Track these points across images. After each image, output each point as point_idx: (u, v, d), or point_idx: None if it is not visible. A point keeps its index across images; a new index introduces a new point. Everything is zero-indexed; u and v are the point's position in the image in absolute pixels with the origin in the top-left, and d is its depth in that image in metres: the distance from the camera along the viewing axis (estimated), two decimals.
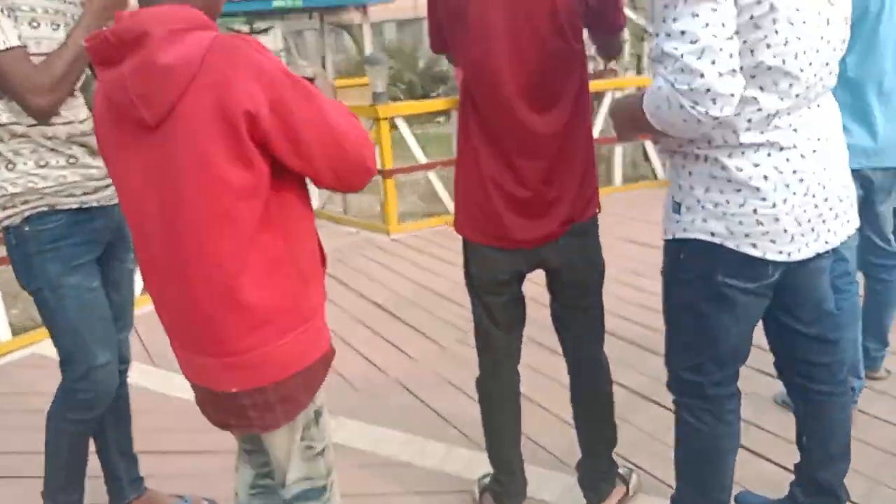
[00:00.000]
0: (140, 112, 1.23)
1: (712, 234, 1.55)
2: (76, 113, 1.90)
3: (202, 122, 1.21)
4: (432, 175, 5.99)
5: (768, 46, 1.42)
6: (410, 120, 5.95)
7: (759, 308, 1.64)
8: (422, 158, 5.93)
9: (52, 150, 1.88)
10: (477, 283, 2.02)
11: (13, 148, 1.85)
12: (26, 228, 1.86)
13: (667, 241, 1.66)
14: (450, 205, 5.96)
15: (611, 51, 2.01)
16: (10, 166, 1.86)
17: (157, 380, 3.27)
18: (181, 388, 3.19)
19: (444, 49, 1.99)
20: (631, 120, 1.63)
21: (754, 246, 1.53)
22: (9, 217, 1.87)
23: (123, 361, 2.17)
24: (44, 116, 1.83)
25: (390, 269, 4.72)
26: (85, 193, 1.93)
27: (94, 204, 1.95)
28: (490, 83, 1.81)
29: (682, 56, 1.33)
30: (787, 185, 1.50)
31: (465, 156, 1.93)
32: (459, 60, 1.90)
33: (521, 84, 1.78)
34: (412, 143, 5.88)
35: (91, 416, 2.00)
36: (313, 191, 6.18)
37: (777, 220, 1.51)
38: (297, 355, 1.35)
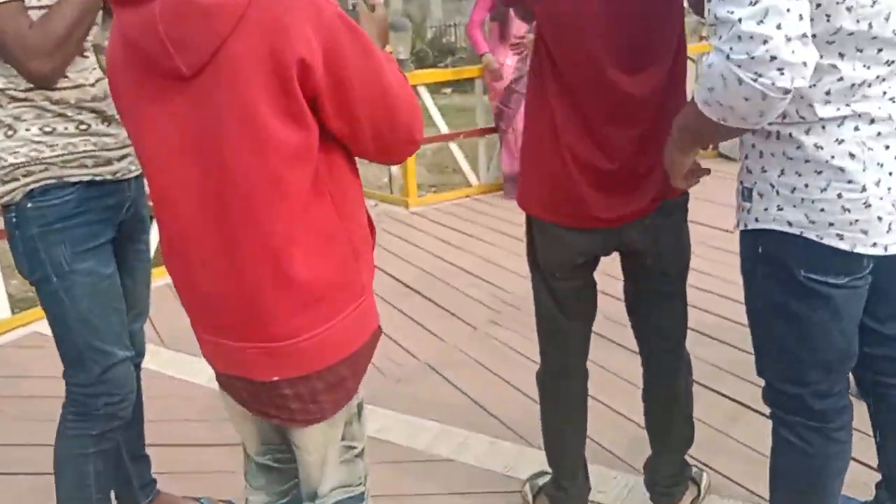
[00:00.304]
0: (174, 59, 1.07)
1: (790, 224, 1.31)
2: (86, 75, 1.63)
3: (249, 72, 1.06)
4: (453, 146, 5.69)
5: (849, 10, 1.18)
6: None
7: (859, 299, 1.38)
8: (443, 128, 5.63)
9: (60, 114, 1.61)
10: (546, 266, 1.75)
11: (13, 113, 1.58)
12: (29, 205, 1.59)
13: (741, 233, 1.42)
14: (471, 176, 5.67)
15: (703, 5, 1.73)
16: (10, 133, 1.58)
17: (167, 362, 3.02)
18: (196, 373, 2.98)
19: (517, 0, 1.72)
20: (681, 130, 1.36)
21: (840, 237, 1.29)
22: (9, 192, 1.59)
23: (138, 354, 1.90)
24: (45, 83, 1.55)
25: (412, 244, 4.45)
26: (97, 165, 1.65)
27: (109, 177, 1.67)
28: (577, 39, 1.54)
29: (739, 21, 1.09)
30: (881, 165, 1.26)
31: (536, 122, 1.66)
32: (538, 13, 1.62)
33: (616, 40, 1.52)
34: (435, 113, 5.58)
35: (116, 425, 1.73)
36: None
37: (868, 205, 1.26)
38: (347, 338, 1.22)
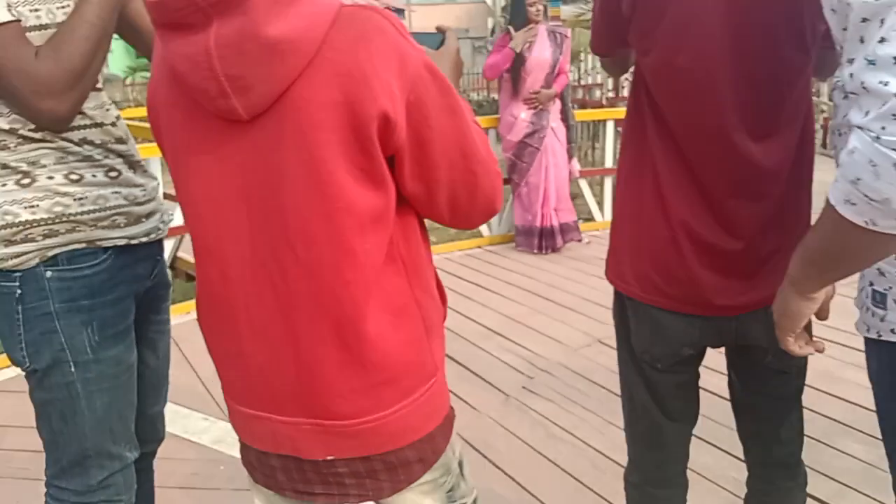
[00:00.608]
0: (230, 100, 0.93)
1: None
2: (104, 113, 1.35)
3: (320, 124, 0.92)
4: None
5: None
6: None
7: None
8: None
9: (87, 158, 1.32)
10: (644, 356, 1.50)
11: (27, 157, 1.27)
12: (49, 274, 1.29)
13: (868, 340, 1.20)
14: (483, 227, 5.47)
15: (829, 69, 1.54)
16: (25, 181, 1.27)
17: (176, 422, 2.68)
18: (200, 432, 2.70)
19: (615, 48, 1.50)
20: (806, 261, 1.10)
21: None
22: (18, 256, 1.28)
23: (156, 441, 1.62)
24: (59, 126, 1.27)
25: None
26: (129, 224, 1.37)
27: (143, 239, 1.40)
28: (698, 96, 1.32)
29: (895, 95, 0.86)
30: None
31: (636, 188, 1.43)
32: (646, 66, 1.40)
33: (743, 102, 1.31)
34: None
35: None
36: None
37: None
38: (415, 423, 1.09)
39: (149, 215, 1.42)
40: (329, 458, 1.07)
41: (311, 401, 1.05)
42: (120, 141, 1.37)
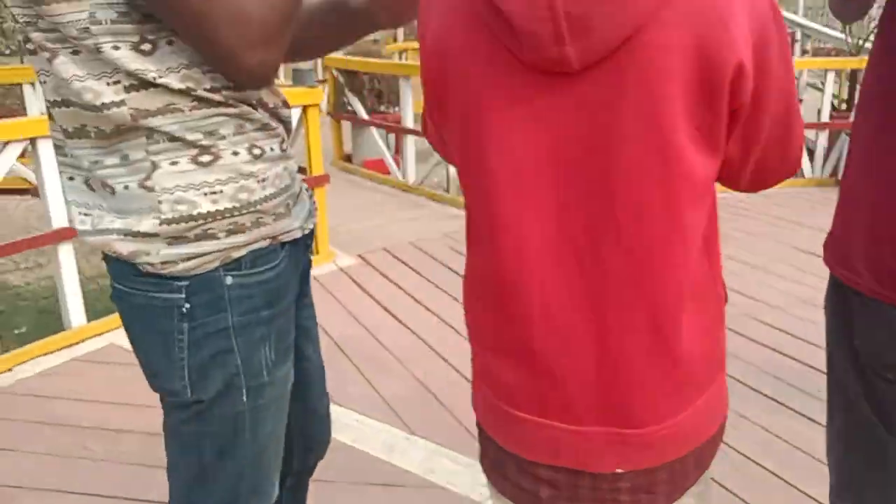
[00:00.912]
0: (564, 47, 0.79)
1: None
2: None
3: (667, 73, 0.79)
4: None
5: None
6: None
7: None
8: None
9: (264, 126, 1.03)
10: (872, 362, 1.26)
11: (202, 126, 0.97)
12: (229, 281, 1.02)
13: None
14: None
15: None
16: (205, 158, 0.97)
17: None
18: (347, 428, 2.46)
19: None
20: None
21: None
22: (193, 258, 0.99)
23: (324, 444, 1.39)
24: (266, 82, 0.98)
25: None
26: (294, 206, 1.10)
27: (310, 227, 1.14)
28: None
29: None
30: None
31: (887, 159, 1.18)
32: None
33: None
34: None
35: None
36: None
37: None
38: (704, 422, 0.98)
39: (301, 192, 1.16)
40: (618, 471, 0.95)
41: (610, 405, 0.92)
42: (285, 104, 1.10)
